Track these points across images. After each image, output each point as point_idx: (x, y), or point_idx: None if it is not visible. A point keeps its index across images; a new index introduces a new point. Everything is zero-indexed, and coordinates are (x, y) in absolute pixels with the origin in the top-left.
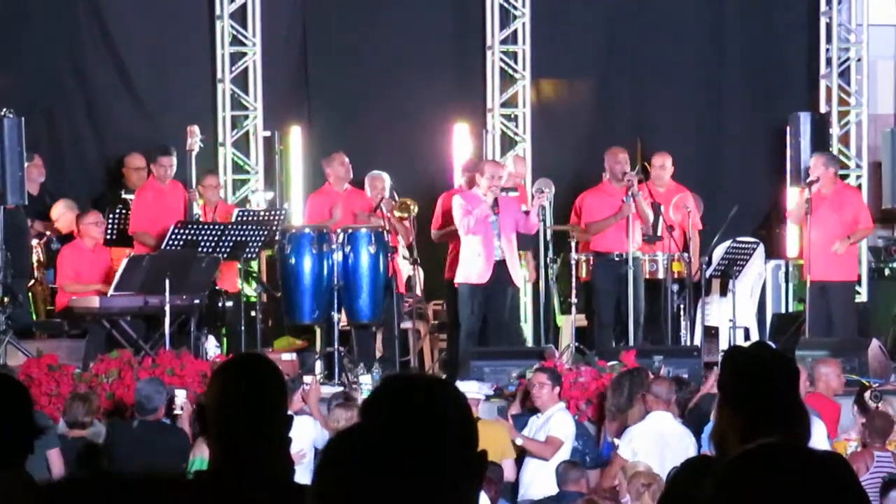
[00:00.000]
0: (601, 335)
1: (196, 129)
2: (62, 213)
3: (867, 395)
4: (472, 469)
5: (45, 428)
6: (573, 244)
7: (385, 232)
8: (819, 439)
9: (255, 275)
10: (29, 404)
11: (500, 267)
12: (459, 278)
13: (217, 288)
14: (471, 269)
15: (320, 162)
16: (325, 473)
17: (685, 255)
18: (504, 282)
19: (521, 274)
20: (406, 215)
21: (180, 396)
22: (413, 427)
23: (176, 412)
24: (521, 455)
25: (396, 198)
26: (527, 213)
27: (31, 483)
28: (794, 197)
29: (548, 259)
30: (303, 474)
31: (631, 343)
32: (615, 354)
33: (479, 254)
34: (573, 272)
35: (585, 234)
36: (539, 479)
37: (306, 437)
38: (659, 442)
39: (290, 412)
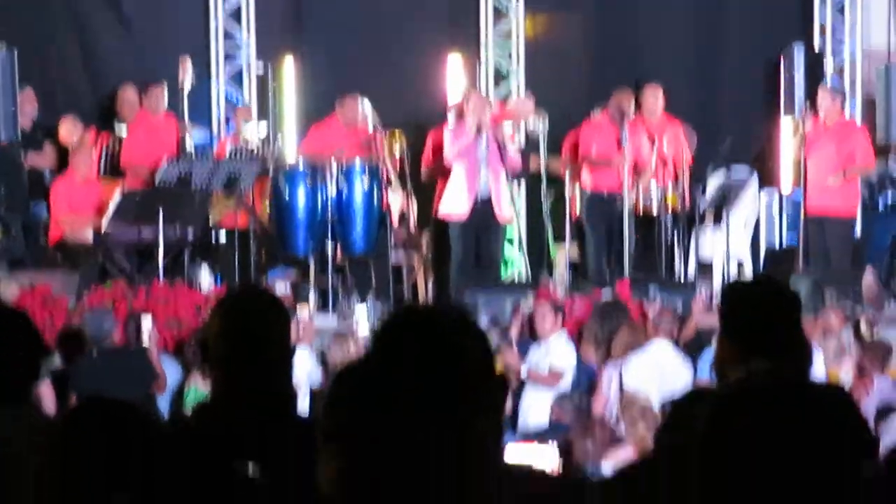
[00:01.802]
0: (593, 269)
1: (188, 62)
2: (71, 130)
3: (862, 325)
4: (492, 398)
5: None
6: (567, 177)
7: (379, 165)
8: (817, 368)
9: (248, 208)
10: (34, 333)
11: (486, 204)
12: (443, 210)
13: (210, 220)
14: (453, 202)
15: (313, 95)
16: (337, 407)
17: (679, 187)
18: (489, 219)
19: (509, 210)
20: (399, 146)
21: (146, 323)
22: (429, 357)
23: (143, 337)
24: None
25: (380, 128)
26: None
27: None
28: (787, 128)
29: (542, 191)
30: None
31: (626, 274)
32: (609, 285)
33: (462, 187)
34: (566, 204)
35: (576, 166)
36: (536, 407)
37: (302, 370)
38: (657, 371)
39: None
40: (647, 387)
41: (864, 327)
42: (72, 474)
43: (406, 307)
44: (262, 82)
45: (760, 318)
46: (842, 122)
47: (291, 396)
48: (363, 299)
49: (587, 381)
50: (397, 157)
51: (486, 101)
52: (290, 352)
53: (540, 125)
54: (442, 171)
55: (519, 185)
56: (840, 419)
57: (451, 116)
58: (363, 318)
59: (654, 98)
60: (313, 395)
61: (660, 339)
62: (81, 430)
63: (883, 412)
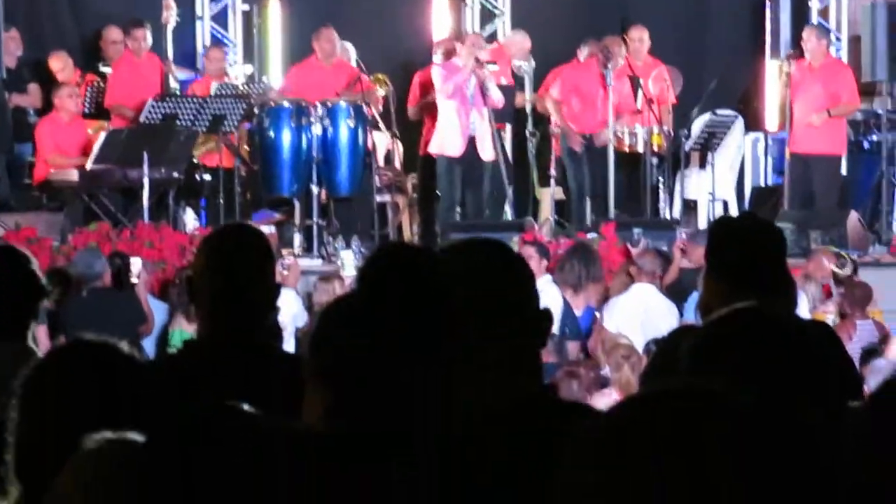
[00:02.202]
0: (576, 208)
1: (171, 2)
2: (63, 65)
3: (834, 264)
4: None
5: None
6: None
7: (364, 105)
8: (802, 310)
9: (233, 148)
10: (33, 273)
11: (472, 143)
12: (434, 149)
13: (195, 161)
14: (446, 139)
15: (298, 34)
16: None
17: (664, 128)
18: (474, 158)
19: (492, 150)
20: (385, 88)
21: (136, 264)
22: (413, 295)
23: (133, 280)
24: None
25: (364, 69)
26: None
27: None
28: (773, 70)
29: (527, 132)
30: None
31: (611, 216)
32: (594, 227)
33: (455, 125)
34: (551, 145)
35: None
36: None
37: (287, 311)
38: (642, 314)
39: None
40: (630, 330)
41: (844, 269)
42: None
43: (390, 245)
44: (247, 21)
45: (746, 253)
46: (827, 62)
47: (277, 334)
48: (348, 241)
49: (573, 326)
50: (380, 99)
51: (481, 40)
52: (275, 289)
53: (526, 65)
54: (429, 110)
55: (505, 126)
56: (826, 356)
57: (438, 53)
58: (348, 261)
59: (640, 40)
60: (298, 335)
61: (643, 282)
62: (67, 368)
63: (867, 355)
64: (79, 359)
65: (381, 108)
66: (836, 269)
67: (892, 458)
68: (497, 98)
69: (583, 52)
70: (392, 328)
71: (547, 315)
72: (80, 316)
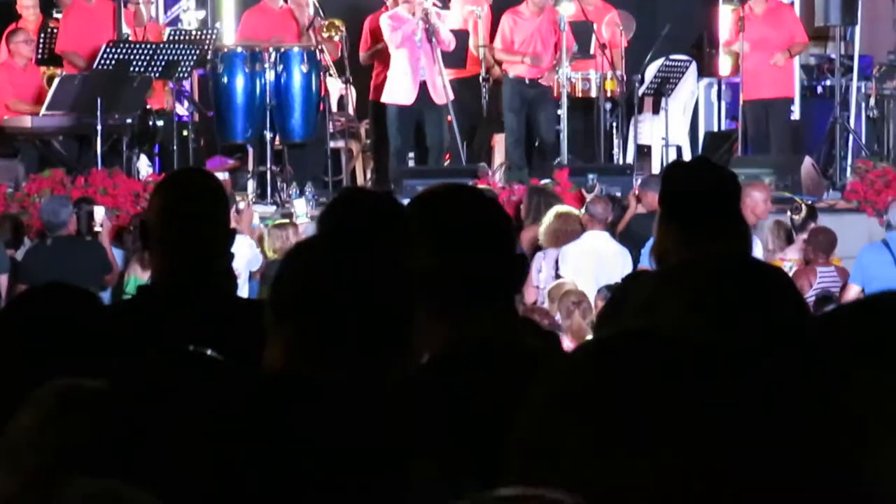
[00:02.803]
0: (512, 152)
1: None
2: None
3: (790, 211)
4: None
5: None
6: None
7: (317, 51)
8: (756, 255)
9: (186, 94)
10: None
11: (422, 87)
12: (386, 98)
13: (148, 107)
14: (397, 88)
15: None
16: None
17: (617, 72)
18: (427, 102)
19: (443, 93)
20: (333, 34)
21: (99, 213)
22: (374, 235)
23: (96, 229)
24: None
25: (321, 14)
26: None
27: None
28: (726, 15)
29: (480, 78)
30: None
31: (564, 161)
32: (548, 172)
33: (406, 72)
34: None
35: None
36: None
37: (241, 257)
38: (594, 261)
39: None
40: (583, 277)
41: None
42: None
43: (350, 190)
44: None
45: (699, 198)
46: (771, 7)
47: (232, 278)
48: (302, 188)
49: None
50: (337, 44)
51: None
52: (229, 233)
53: (479, 10)
54: (380, 56)
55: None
56: (781, 298)
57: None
58: (301, 209)
59: None
60: (253, 277)
61: (594, 228)
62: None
63: (821, 302)
64: (44, 302)
65: (340, 53)
66: (792, 216)
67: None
68: (448, 40)
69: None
70: (354, 270)
71: (522, 260)
72: (46, 264)
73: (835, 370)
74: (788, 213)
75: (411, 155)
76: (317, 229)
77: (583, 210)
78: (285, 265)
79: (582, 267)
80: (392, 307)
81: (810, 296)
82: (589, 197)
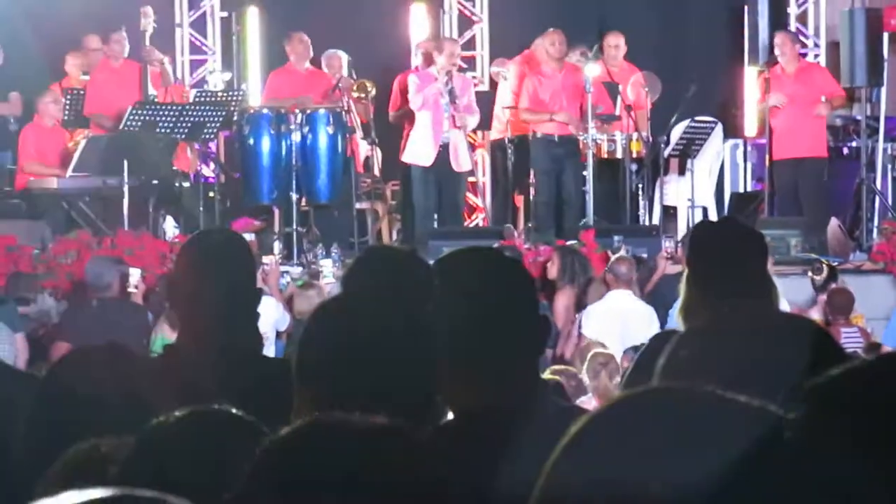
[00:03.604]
0: (539, 212)
1: (149, 9)
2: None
3: (812, 272)
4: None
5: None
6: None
7: (343, 112)
8: None
9: (212, 155)
10: None
11: (445, 151)
12: (407, 157)
13: (175, 168)
14: (418, 148)
15: (277, 42)
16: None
17: (643, 134)
18: (446, 165)
19: (466, 159)
20: (363, 95)
21: (135, 275)
22: (397, 291)
23: (130, 290)
24: None
25: (355, 76)
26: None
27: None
28: (752, 76)
29: (506, 139)
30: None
31: (590, 223)
32: (574, 233)
33: (427, 134)
34: (529, 152)
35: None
36: None
37: (268, 318)
38: (618, 320)
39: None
40: (608, 337)
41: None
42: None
43: (374, 248)
44: (225, 28)
45: (726, 257)
46: (802, 67)
47: (259, 337)
48: (328, 249)
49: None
50: (367, 104)
51: (456, 48)
52: (256, 293)
53: (504, 70)
54: (409, 117)
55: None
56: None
57: (418, 55)
58: (328, 269)
59: (616, 46)
60: (280, 338)
61: (619, 288)
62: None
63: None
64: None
65: (370, 114)
66: (813, 276)
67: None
68: (473, 108)
69: (573, 56)
70: (377, 333)
71: (545, 322)
72: (90, 324)
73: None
74: (810, 273)
75: (436, 216)
76: (341, 287)
77: (607, 271)
78: (309, 328)
79: (606, 327)
80: (415, 368)
81: None
82: (612, 258)
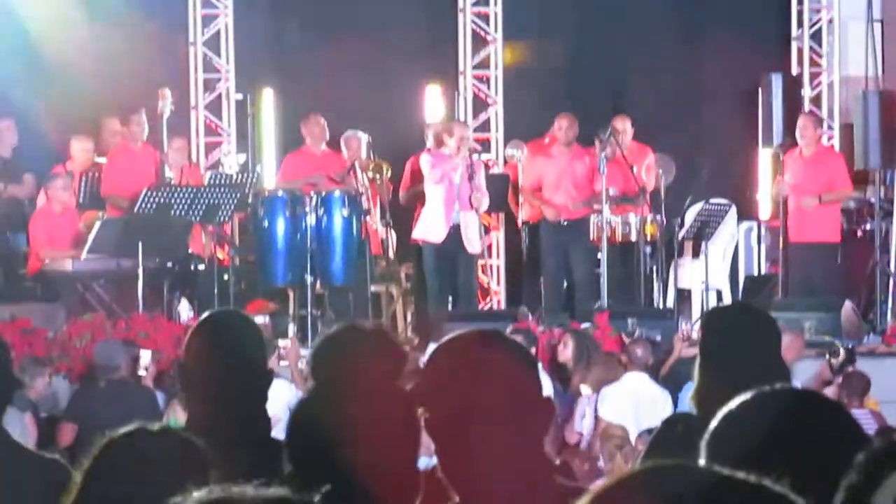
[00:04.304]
0: (549, 296)
1: (167, 92)
2: (82, 149)
3: (828, 355)
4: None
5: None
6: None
7: (358, 194)
8: None
9: (227, 238)
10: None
11: (457, 231)
12: (418, 234)
13: (189, 251)
14: (429, 226)
15: (292, 125)
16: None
17: (657, 216)
18: (458, 246)
19: (477, 241)
20: (378, 176)
21: (145, 357)
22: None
23: (140, 373)
24: None
25: (373, 157)
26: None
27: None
28: (766, 159)
29: (521, 221)
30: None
31: (604, 305)
32: (588, 316)
33: (439, 211)
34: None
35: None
36: None
37: (281, 400)
38: (634, 403)
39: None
40: (623, 419)
41: (836, 358)
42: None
43: (339, 331)
44: (240, 111)
45: (739, 342)
46: (819, 151)
47: (267, 418)
48: None
49: (562, 411)
50: (383, 186)
51: (468, 130)
52: (266, 374)
53: (518, 153)
54: (421, 198)
55: (493, 213)
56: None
57: (429, 137)
58: None
59: (623, 130)
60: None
61: (634, 370)
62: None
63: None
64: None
65: (384, 199)
66: (830, 359)
67: None
68: (483, 191)
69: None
70: (348, 426)
71: (548, 403)
72: (98, 406)
73: None
74: (827, 356)
75: (450, 298)
76: (308, 370)
77: (623, 353)
78: (290, 420)
79: (621, 409)
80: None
81: None
82: (628, 340)
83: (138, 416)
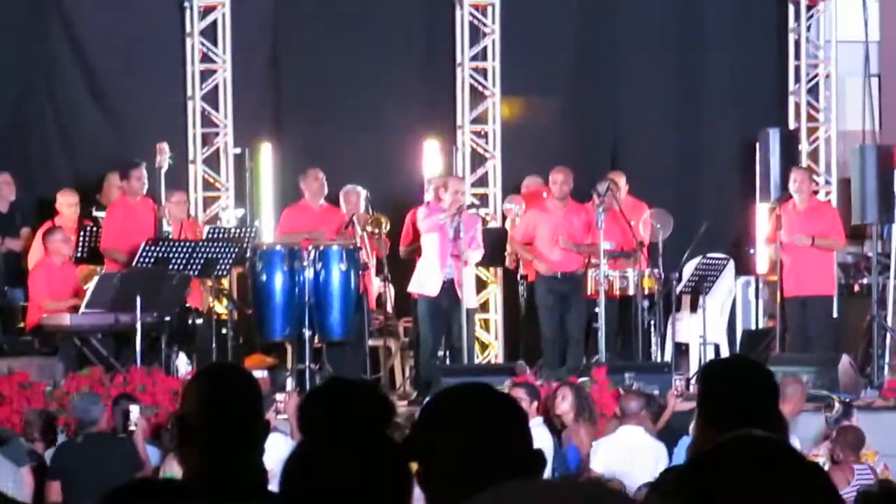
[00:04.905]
0: (546, 350)
1: (165, 146)
2: (73, 203)
3: (833, 411)
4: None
5: (7, 438)
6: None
7: (356, 248)
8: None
9: (225, 292)
10: None
11: (451, 285)
12: (413, 287)
13: (188, 305)
14: (423, 278)
15: (290, 179)
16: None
17: (655, 271)
18: (452, 299)
19: (471, 296)
20: (377, 231)
21: (135, 412)
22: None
23: (131, 428)
24: None
25: (371, 211)
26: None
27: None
28: (763, 213)
29: (518, 276)
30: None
31: (602, 359)
32: (586, 370)
33: (433, 263)
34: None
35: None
36: None
37: (278, 454)
38: (628, 456)
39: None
40: (615, 472)
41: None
42: None
43: (327, 384)
44: (238, 165)
45: (736, 396)
46: (813, 205)
47: (262, 472)
48: None
49: (561, 466)
50: (380, 241)
51: (462, 184)
52: (261, 427)
53: (516, 207)
54: (419, 251)
55: (491, 268)
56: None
57: (429, 190)
58: None
59: (618, 185)
60: None
61: (628, 423)
62: None
63: (865, 499)
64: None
65: (381, 253)
66: (826, 413)
67: None
68: (479, 245)
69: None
70: (338, 480)
71: (539, 457)
72: (77, 461)
73: None
74: (823, 410)
75: (447, 352)
76: (298, 424)
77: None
78: (282, 474)
79: (616, 461)
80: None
81: (846, 492)
82: (623, 393)
83: (117, 468)
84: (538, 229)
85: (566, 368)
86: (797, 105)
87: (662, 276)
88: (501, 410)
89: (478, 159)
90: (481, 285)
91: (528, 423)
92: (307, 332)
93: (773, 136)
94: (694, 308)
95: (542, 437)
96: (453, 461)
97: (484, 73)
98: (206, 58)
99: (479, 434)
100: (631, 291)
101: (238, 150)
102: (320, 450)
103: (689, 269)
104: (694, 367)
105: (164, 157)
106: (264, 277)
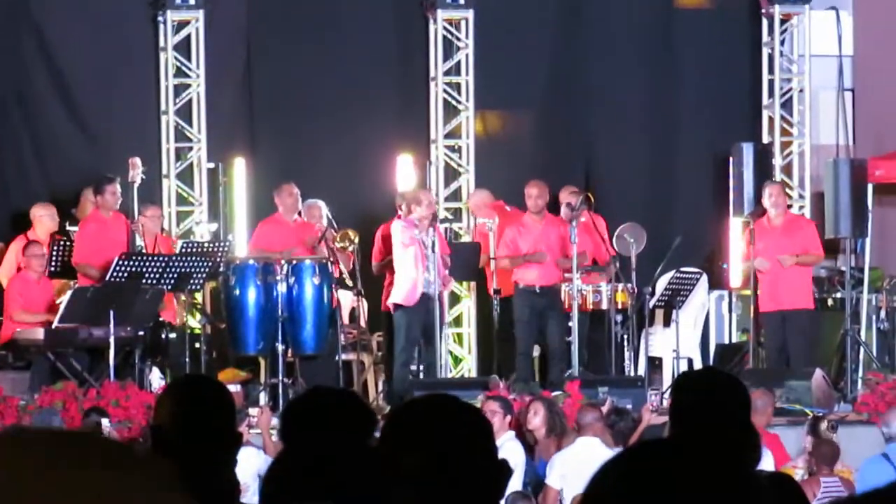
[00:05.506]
0: (520, 364)
1: (138, 160)
2: (41, 216)
3: (823, 425)
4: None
5: None
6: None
7: (329, 263)
8: (767, 466)
9: (199, 306)
10: None
11: (427, 298)
12: (392, 299)
13: (161, 319)
14: (401, 289)
15: (264, 193)
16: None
17: (628, 285)
18: (428, 314)
19: (445, 310)
20: (347, 245)
21: (105, 421)
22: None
23: None
24: None
25: (335, 225)
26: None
27: None
28: (737, 227)
29: (492, 290)
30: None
31: (575, 374)
32: (559, 384)
33: (410, 275)
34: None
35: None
36: None
37: (251, 468)
38: (586, 468)
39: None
40: (574, 483)
41: (823, 426)
42: None
43: (307, 394)
44: (212, 179)
45: (708, 409)
46: (788, 219)
47: (234, 483)
48: None
49: (536, 480)
50: (350, 255)
51: (433, 199)
52: (233, 438)
53: (490, 222)
54: (390, 266)
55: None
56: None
57: (402, 206)
58: None
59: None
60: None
61: (586, 435)
62: None
63: None
64: None
65: (352, 264)
66: (825, 432)
67: None
68: (447, 263)
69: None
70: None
71: (504, 468)
72: None
73: None
74: (821, 427)
75: (422, 367)
76: (279, 434)
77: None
78: (263, 483)
79: (573, 474)
80: None
81: None
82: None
83: None
84: (518, 244)
85: (549, 381)
86: (771, 119)
87: (635, 291)
88: (465, 422)
89: (451, 173)
90: (454, 300)
91: (493, 434)
92: (280, 347)
93: (747, 150)
94: (667, 322)
95: (514, 451)
96: (417, 473)
97: (458, 87)
98: (179, 72)
99: (441, 446)
100: (604, 305)
101: (212, 165)
102: (301, 459)
103: (662, 284)
104: (667, 381)
105: (136, 171)
106: (238, 292)
